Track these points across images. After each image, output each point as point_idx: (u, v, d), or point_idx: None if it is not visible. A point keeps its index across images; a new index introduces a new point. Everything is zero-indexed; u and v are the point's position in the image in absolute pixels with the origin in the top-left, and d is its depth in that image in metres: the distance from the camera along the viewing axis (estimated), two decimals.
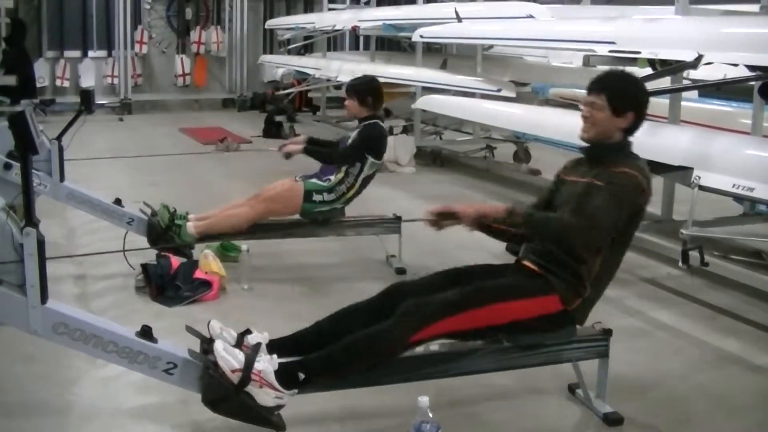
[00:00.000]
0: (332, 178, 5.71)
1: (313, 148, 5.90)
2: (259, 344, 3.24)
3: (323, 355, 3.31)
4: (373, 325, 3.34)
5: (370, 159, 5.72)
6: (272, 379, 3.17)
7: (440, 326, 3.32)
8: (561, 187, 3.77)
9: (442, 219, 3.59)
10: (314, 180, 5.74)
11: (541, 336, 3.54)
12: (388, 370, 3.44)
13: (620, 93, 3.57)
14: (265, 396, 3.17)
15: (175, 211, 5.64)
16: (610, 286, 5.49)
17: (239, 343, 3.28)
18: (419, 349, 3.49)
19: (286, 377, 3.20)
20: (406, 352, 3.35)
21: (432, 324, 3.31)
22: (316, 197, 5.65)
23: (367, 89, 5.86)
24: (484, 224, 3.59)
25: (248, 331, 3.35)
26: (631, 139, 3.65)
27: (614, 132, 3.58)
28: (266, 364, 3.18)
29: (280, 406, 3.23)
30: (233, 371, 3.14)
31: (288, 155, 5.90)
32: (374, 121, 5.82)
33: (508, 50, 10.84)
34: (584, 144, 3.69)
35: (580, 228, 3.32)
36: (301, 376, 3.22)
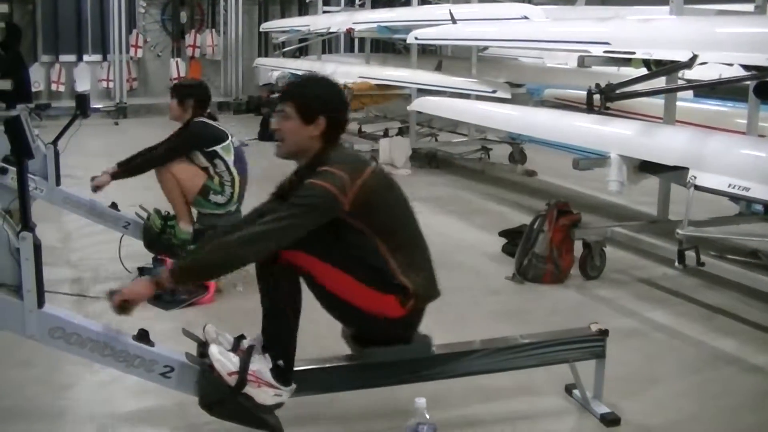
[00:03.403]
0: (215, 183, 5.66)
1: (123, 168, 5.79)
2: (252, 346, 3.24)
3: (262, 329, 3.32)
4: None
5: (215, 149, 5.67)
6: (269, 377, 3.18)
7: (311, 262, 3.25)
8: None
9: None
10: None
11: (393, 352, 3.45)
12: (385, 373, 3.45)
13: (306, 98, 3.37)
14: (264, 395, 3.18)
15: (168, 214, 5.64)
16: (606, 286, 5.54)
17: (235, 347, 3.28)
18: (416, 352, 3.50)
19: (281, 373, 3.21)
20: (284, 270, 3.26)
21: (301, 251, 3.21)
22: (212, 197, 5.62)
23: (189, 92, 5.84)
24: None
25: (243, 336, 3.34)
26: (334, 143, 3.41)
27: (310, 142, 3.36)
28: (261, 363, 3.19)
29: (280, 404, 3.24)
30: (230, 374, 3.15)
31: (96, 189, 5.74)
32: (194, 119, 5.77)
33: (503, 51, 10.83)
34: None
35: (243, 242, 3.16)
36: (280, 363, 3.23)
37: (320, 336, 3.78)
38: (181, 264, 3.25)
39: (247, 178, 5.80)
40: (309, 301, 3.33)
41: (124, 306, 3.17)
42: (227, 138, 5.74)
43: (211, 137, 5.69)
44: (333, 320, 3.46)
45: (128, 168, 5.77)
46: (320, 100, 3.37)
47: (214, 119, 5.88)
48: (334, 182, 3.17)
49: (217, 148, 5.65)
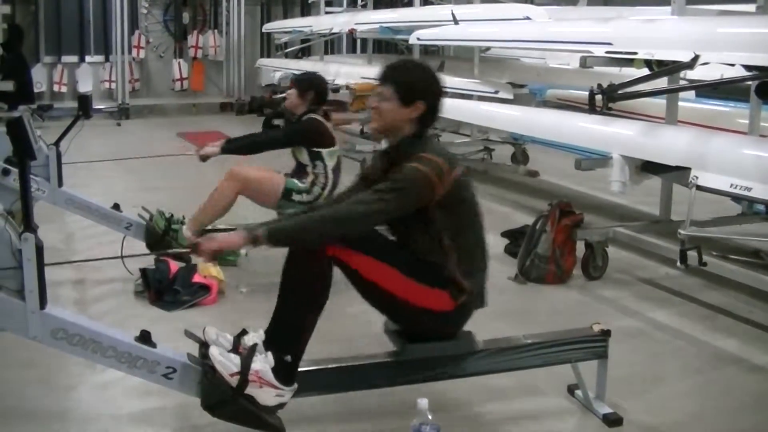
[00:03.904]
0: (306, 180, 5.68)
1: (232, 145, 5.83)
2: (255, 345, 3.24)
3: (274, 320, 3.32)
4: None
5: (322, 151, 5.68)
6: (270, 377, 3.17)
7: (355, 257, 3.30)
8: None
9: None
10: (295, 180, 5.70)
11: (432, 346, 3.48)
12: (387, 373, 3.45)
13: (408, 82, 3.44)
14: (265, 395, 3.17)
15: (172, 216, 5.64)
16: (608, 286, 5.54)
17: (236, 346, 3.28)
18: (418, 352, 3.50)
19: (282, 372, 3.21)
20: (323, 263, 3.28)
21: (349, 248, 3.28)
22: (296, 197, 5.62)
23: (309, 85, 5.84)
24: None
25: (244, 332, 3.34)
26: (430, 130, 3.55)
27: (403, 124, 3.44)
28: (262, 363, 3.19)
29: (282, 404, 3.24)
30: (231, 375, 3.14)
31: (204, 158, 5.81)
32: (309, 116, 5.78)
33: (506, 52, 10.82)
34: None
35: (341, 219, 3.25)
36: (288, 358, 3.23)
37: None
38: (280, 226, 3.32)
39: (338, 186, 5.79)
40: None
41: (216, 255, 3.28)
42: (335, 143, 5.77)
43: (321, 139, 5.73)
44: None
45: (234, 147, 5.81)
46: (421, 85, 3.45)
47: (329, 118, 5.89)
48: (434, 169, 3.26)
49: (324, 151, 5.67)
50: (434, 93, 3.48)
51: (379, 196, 3.24)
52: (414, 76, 3.47)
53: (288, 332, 3.29)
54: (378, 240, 3.40)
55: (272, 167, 5.83)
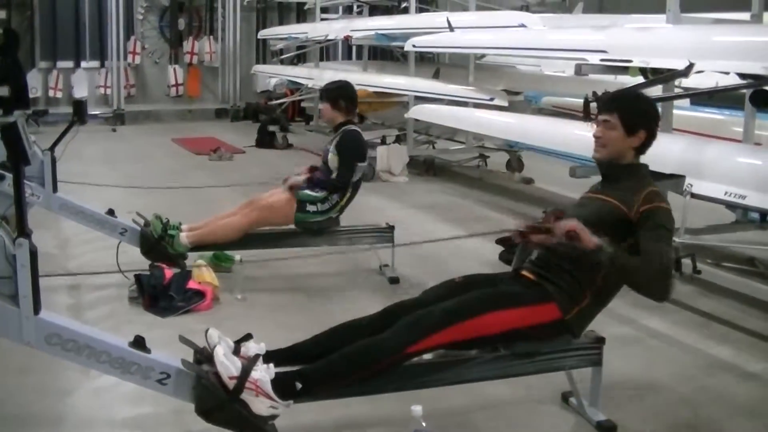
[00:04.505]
0: (319, 190, 5.69)
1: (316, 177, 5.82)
2: (258, 355, 3.25)
3: (321, 364, 3.32)
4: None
5: (357, 164, 5.73)
6: (268, 388, 3.17)
7: (439, 336, 3.33)
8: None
9: (533, 232, 3.49)
10: (307, 191, 5.71)
11: (537, 344, 3.54)
12: (382, 380, 3.45)
13: (633, 112, 3.61)
14: (260, 405, 3.17)
15: (168, 221, 5.64)
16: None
17: (236, 352, 3.28)
18: (413, 359, 3.50)
19: (282, 387, 3.20)
20: (405, 362, 3.35)
21: (431, 334, 3.32)
22: (310, 207, 5.64)
23: (339, 94, 5.85)
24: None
25: (247, 337, 3.35)
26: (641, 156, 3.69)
27: (626, 152, 3.62)
28: (263, 373, 3.19)
29: (274, 416, 3.23)
30: (230, 378, 3.14)
31: (292, 188, 5.76)
32: (350, 128, 5.79)
33: (501, 59, 10.86)
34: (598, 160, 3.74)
35: (660, 282, 3.32)
36: (299, 385, 3.23)
37: None
38: (624, 258, 3.35)
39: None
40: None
41: (570, 235, 3.33)
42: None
43: (365, 152, 5.82)
44: None
45: (334, 183, 5.76)
46: (645, 116, 3.64)
47: (363, 120, 5.88)
48: (667, 202, 3.54)
49: (359, 164, 5.74)
50: (655, 123, 3.65)
51: (661, 247, 3.35)
52: (639, 107, 3.67)
53: (322, 376, 3.31)
54: (462, 300, 3.44)
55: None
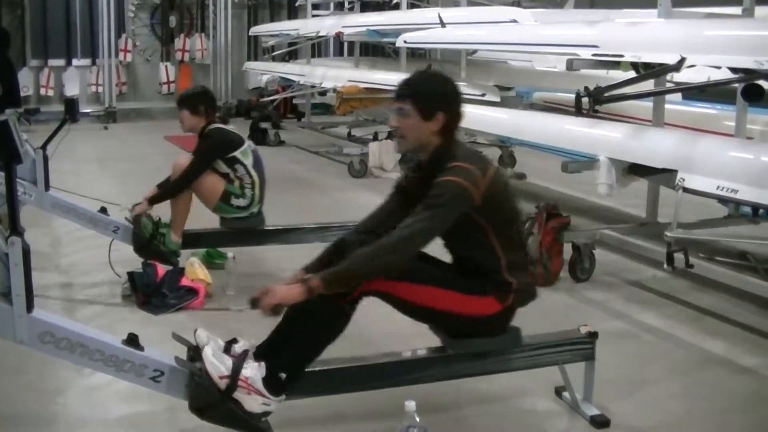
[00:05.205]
0: (235, 186, 5.70)
1: (159, 193, 5.78)
2: (246, 351, 3.24)
3: (289, 343, 3.31)
4: None
5: (235, 154, 5.72)
6: (260, 385, 3.17)
7: (390, 285, 3.32)
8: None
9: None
10: (233, 185, 5.73)
11: (484, 342, 3.51)
12: (374, 375, 3.45)
13: (426, 95, 3.42)
14: (252, 402, 3.17)
15: (159, 219, 5.64)
16: (595, 288, 5.56)
17: (227, 351, 3.28)
18: (405, 354, 3.51)
19: (273, 383, 3.20)
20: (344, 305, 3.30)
21: (387, 280, 3.31)
22: (234, 201, 5.67)
23: (197, 99, 5.84)
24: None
25: (235, 340, 3.34)
26: (456, 139, 3.50)
27: (430, 138, 3.42)
28: (254, 371, 3.18)
29: (267, 413, 3.23)
30: (221, 377, 3.14)
31: (137, 217, 5.66)
32: (211, 127, 5.80)
33: (492, 55, 10.84)
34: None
35: (392, 255, 3.22)
36: (283, 375, 3.23)
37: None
38: (335, 272, 3.24)
39: (266, 179, 5.83)
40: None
41: (277, 309, 3.20)
42: (244, 142, 5.80)
43: (230, 143, 5.75)
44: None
45: (161, 194, 5.76)
46: (438, 96, 3.44)
47: (226, 122, 5.90)
48: (466, 177, 3.27)
49: (237, 153, 5.69)
50: (453, 102, 3.48)
51: (421, 217, 3.24)
52: (431, 88, 3.48)
53: (291, 358, 3.30)
54: (414, 264, 3.37)
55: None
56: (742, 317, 5.10)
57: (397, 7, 11.06)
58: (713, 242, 5.98)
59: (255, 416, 3.20)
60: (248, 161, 5.73)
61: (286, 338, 3.31)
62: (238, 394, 3.15)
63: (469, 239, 3.41)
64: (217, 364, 3.16)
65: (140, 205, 5.66)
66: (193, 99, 5.82)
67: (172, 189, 5.71)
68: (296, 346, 3.30)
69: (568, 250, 5.82)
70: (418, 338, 3.80)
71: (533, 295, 3.57)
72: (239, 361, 3.19)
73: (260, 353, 3.29)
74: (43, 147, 5.76)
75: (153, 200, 5.69)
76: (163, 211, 5.76)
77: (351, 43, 13.76)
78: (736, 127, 6.08)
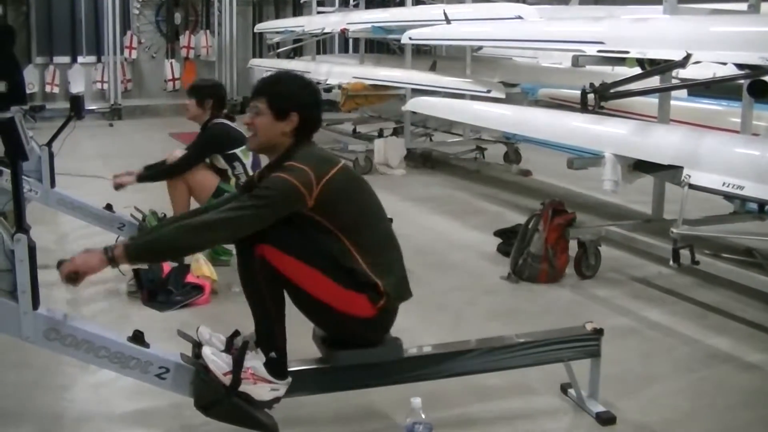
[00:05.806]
0: (230, 183, 5.72)
1: (148, 173, 5.85)
2: (246, 343, 3.25)
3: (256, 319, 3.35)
4: None
5: (236, 151, 5.75)
6: (264, 372, 3.19)
7: (278, 256, 3.25)
8: None
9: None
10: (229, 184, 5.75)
11: (362, 354, 3.43)
12: (380, 373, 3.45)
13: (280, 95, 3.41)
14: (260, 391, 3.19)
15: (164, 216, 5.64)
16: (601, 285, 5.55)
17: (229, 347, 3.29)
18: (411, 351, 3.51)
19: (275, 366, 3.23)
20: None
21: (275, 248, 3.24)
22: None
23: (207, 92, 5.88)
24: None
25: (237, 333, 3.35)
26: (305, 141, 3.45)
27: (281, 138, 3.40)
28: (255, 360, 3.21)
29: (278, 399, 3.24)
30: (225, 374, 3.15)
31: (119, 186, 5.79)
32: (214, 121, 5.84)
33: (498, 51, 10.84)
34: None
35: (204, 225, 3.24)
36: (273, 355, 3.25)
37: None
38: (137, 242, 3.25)
39: None
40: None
41: (72, 277, 3.16)
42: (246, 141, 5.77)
43: (232, 139, 5.75)
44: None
45: (150, 174, 5.80)
46: (293, 97, 3.41)
47: (232, 120, 5.92)
48: (297, 176, 3.22)
49: (237, 150, 5.69)
50: (308, 104, 3.45)
51: (244, 204, 3.23)
52: (286, 88, 3.45)
53: (262, 330, 3.32)
54: (308, 243, 3.30)
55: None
56: (748, 314, 5.09)
57: (402, 3, 11.07)
58: (719, 239, 5.97)
59: (266, 404, 3.22)
60: (248, 161, 5.74)
61: (254, 317, 3.35)
62: (245, 386, 3.17)
63: (319, 240, 3.29)
64: (218, 362, 3.18)
65: (125, 177, 5.72)
66: (204, 90, 5.87)
67: (161, 174, 5.78)
68: (259, 319, 3.33)
69: (573, 247, 5.81)
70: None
71: (406, 294, 3.48)
72: (239, 355, 3.20)
73: (256, 343, 3.31)
74: (49, 144, 5.78)
75: (141, 178, 5.77)
76: (168, 207, 5.78)
77: (356, 40, 13.72)
78: (742, 123, 6.08)
